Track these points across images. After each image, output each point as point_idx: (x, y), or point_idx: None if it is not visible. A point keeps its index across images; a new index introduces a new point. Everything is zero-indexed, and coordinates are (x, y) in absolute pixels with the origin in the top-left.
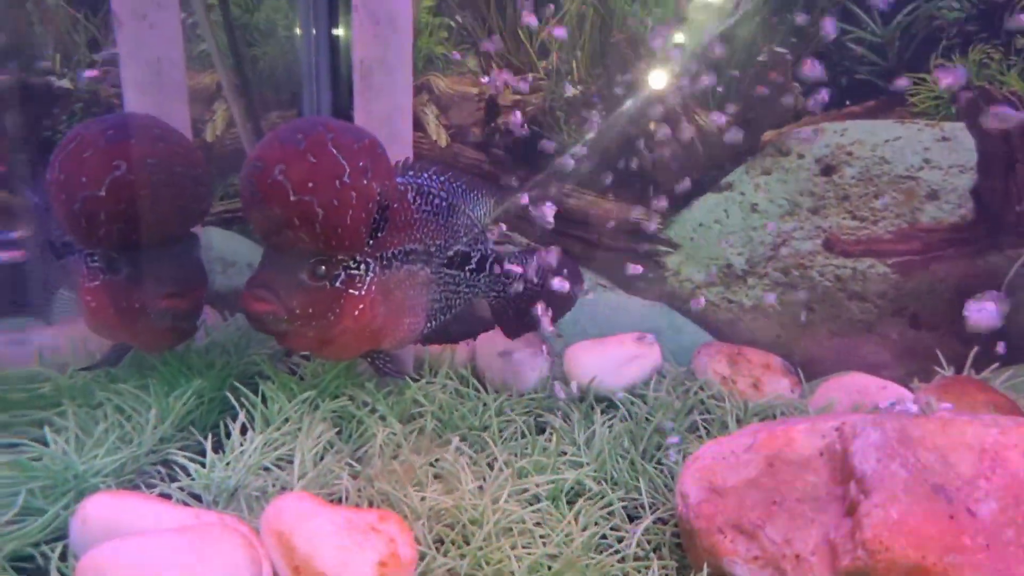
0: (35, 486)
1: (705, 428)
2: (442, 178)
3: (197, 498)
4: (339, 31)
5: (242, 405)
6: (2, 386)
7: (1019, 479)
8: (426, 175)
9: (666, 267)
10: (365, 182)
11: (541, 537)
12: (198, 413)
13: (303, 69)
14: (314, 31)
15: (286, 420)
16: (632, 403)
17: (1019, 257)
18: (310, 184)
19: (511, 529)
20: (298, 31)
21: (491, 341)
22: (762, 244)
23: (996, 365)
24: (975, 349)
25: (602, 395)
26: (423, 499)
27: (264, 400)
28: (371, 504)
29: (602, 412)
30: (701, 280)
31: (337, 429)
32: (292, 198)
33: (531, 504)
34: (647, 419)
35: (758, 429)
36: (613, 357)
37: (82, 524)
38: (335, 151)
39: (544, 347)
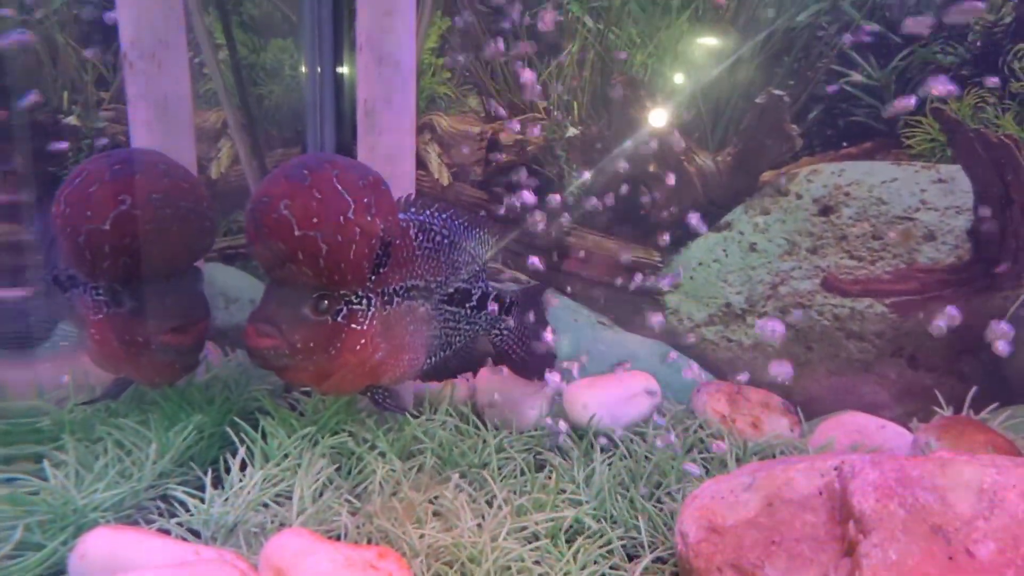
0: (33, 520)
1: (704, 467)
2: (444, 215)
3: (196, 534)
4: (343, 70)
5: (242, 441)
6: (2, 420)
7: (1018, 520)
8: (428, 212)
9: (666, 306)
10: (369, 218)
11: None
12: (198, 448)
13: (308, 107)
14: (319, 70)
15: (285, 456)
16: (632, 441)
17: (1017, 297)
18: (314, 219)
19: (510, 567)
20: (303, 70)
21: (491, 379)
22: (761, 283)
23: (995, 405)
24: (973, 389)
25: (601, 433)
26: (422, 536)
27: (264, 436)
28: (370, 541)
29: (602, 450)
30: (700, 319)
31: (336, 465)
32: (297, 233)
33: (530, 542)
34: (646, 457)
35: (757, 468)
36: (612, 395)
37: (81, 560)
38: (340, 187)
39: (549, 384)
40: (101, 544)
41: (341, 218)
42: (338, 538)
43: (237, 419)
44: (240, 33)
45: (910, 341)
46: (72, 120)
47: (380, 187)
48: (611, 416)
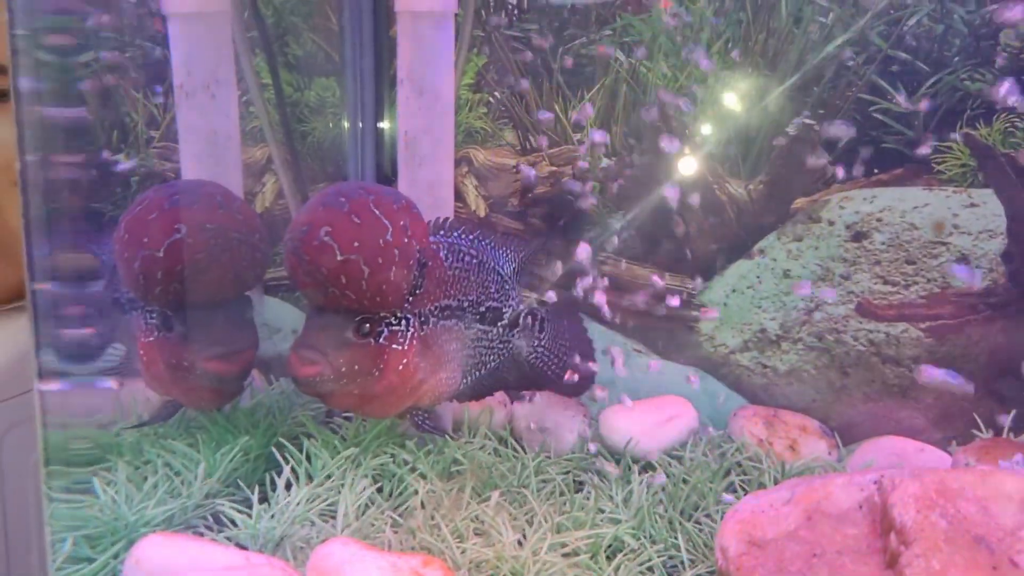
0: (83, 535)
1: (743, 489)
2: (471, 236)
3: (243, 548)
4: (384, 104)
5: (287, 461)
6: (60, 443)
7: None
8: (456, 233)
9: (700, 332)
10: (406, 240)
11: None
12: (244, 470)
13: (349, 141)
14: (360, 104)
15: (328, 476)
16: (669, 464)
17: None
18: (356, 243)
19: None
20: (346, 105)
21: (531, 406)
22: (795, 309)
23: None
24: (1013, 412)
25: (638, 457)
26: (463, 552)
27: (308, 458)
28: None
29: (639, 473)
30: (735, 345)
31: (378, 486)
32: (339, 258)
33: (570, 558)
34: (684, 480)
35: (796, 483)
36: (649, 419)
37: (136, 564)
38: (376, 211)
39: (583, 410)
40: (155, 550)
41: (381, 241)
42: None
43: (283, 440)
44: (285, 73)
45: (947, 365)
46: (122, 158)
47: (412, 210)
48: (647, 440)
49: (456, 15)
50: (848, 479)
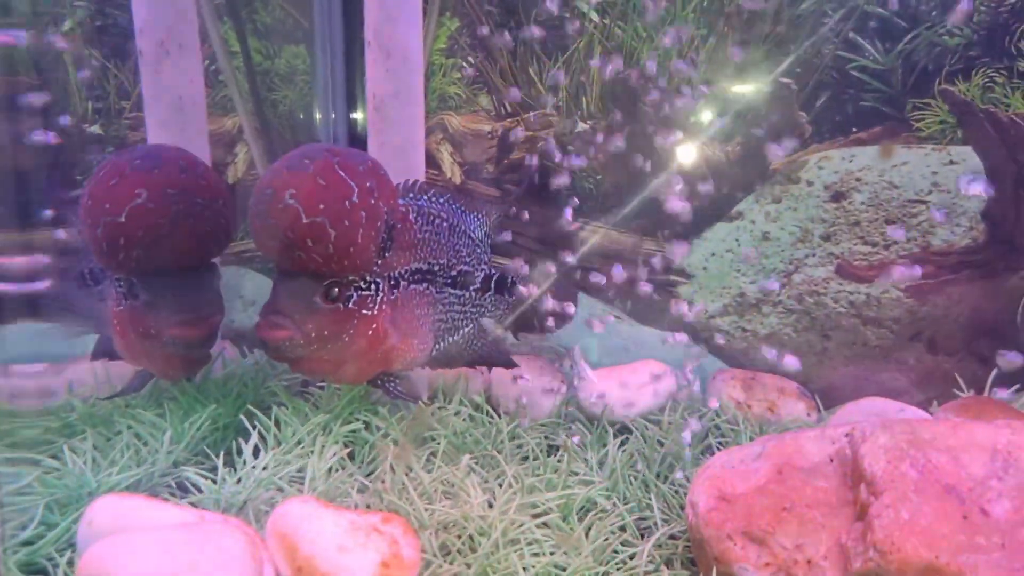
0: (52, 500)
1: (721, 450)
2: (441, 199)
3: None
4: (353, 69)
5: (255, 428)
6: (40, 418)
7: None
8: (426, 197)
9: (680, 297)
10: (372, 201)
11: (550, 549)
12: (213, 438)
13: (320, 107)
14: (331, 70)
15: (299, 442)
16: (647, 427)
17: None
18: (321, 206)
19: (518, 540)
20: (316, 71)
21: (507, 372)
22: (774, 271)
23: (1017, 387)
24: (994, 372)
25: (616, 421)
26: (430, 512)
27: (278, 425)
28: None
29: (615, 436)
30: (715, 309)
31: (349, 450)
32: (304, 220)
33: (540, 517)
34: (660, 443)
35: (768, 439)
36: (627, 384)
37: (88, 526)
38: (342, 173)
39: (561, 376)
40: (107, 510)
41: (346, 203)
42: None
43: (253, 409)
44: (254, 40)
45: (928, 325)
46: (96, 129)
47: (379, 172)
48: (624, 404)
49: None
50: (820, 433)
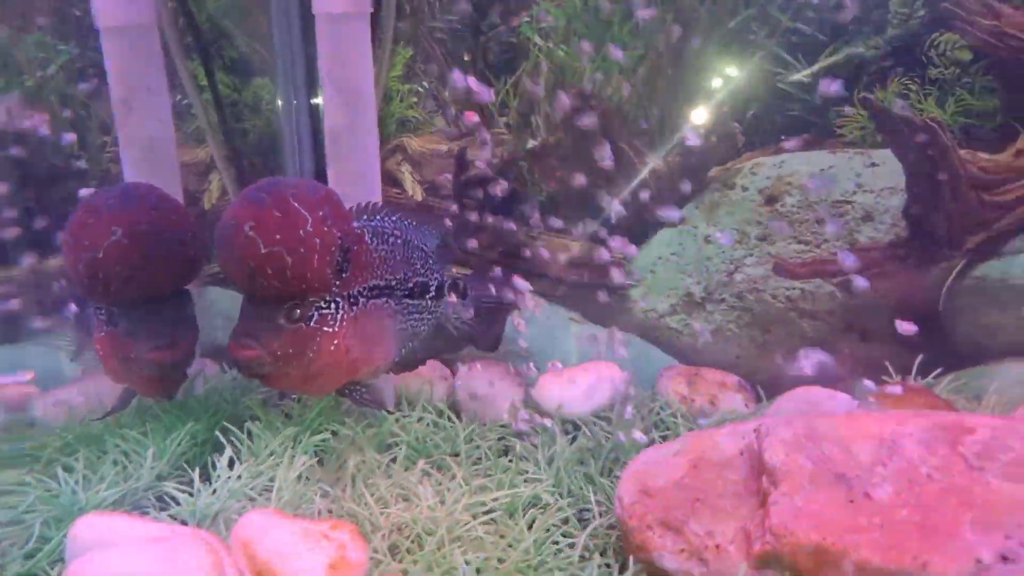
0: (53, 516)
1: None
2: (393, 218)
3: (184, 523)
4: (318, 101)
5: (231, 443)
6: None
7: (913, 463)
8: (379, 217)
9: (631, 299)
10: (326, 229)
11: (492, 544)
12: (193, 452)
13: (285, 138)
14: (294, 103)
15: (271, 454)
16: (595, 424)
17: (953, 269)
18: (278, 236)
19: (460, 537)
20: (280, 104)
21: (469, 377)
22: (717, 272)
23: (939, 371)
24: (919, 357)
25: (569, 419)
26: (385, 515)
27: (251, 437)
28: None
29: (567, 434)
30: (664, 309)
31: (319, 459)
32: (263, 250)
33: (487, 515)
34: (607, 438)
35: (688, 436)
36: (580, 384)
37: (73, 541)
38: (296, 204)
39: (518, 379)
40: (89, 527)
41: (301, 232)
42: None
43: (228, 425)
44: (222, 75)
45: (859, 316)
46: (83, 164)
47: (333, 200)
48: (577, 403)
49: (379, 13)
50: (732, 429)
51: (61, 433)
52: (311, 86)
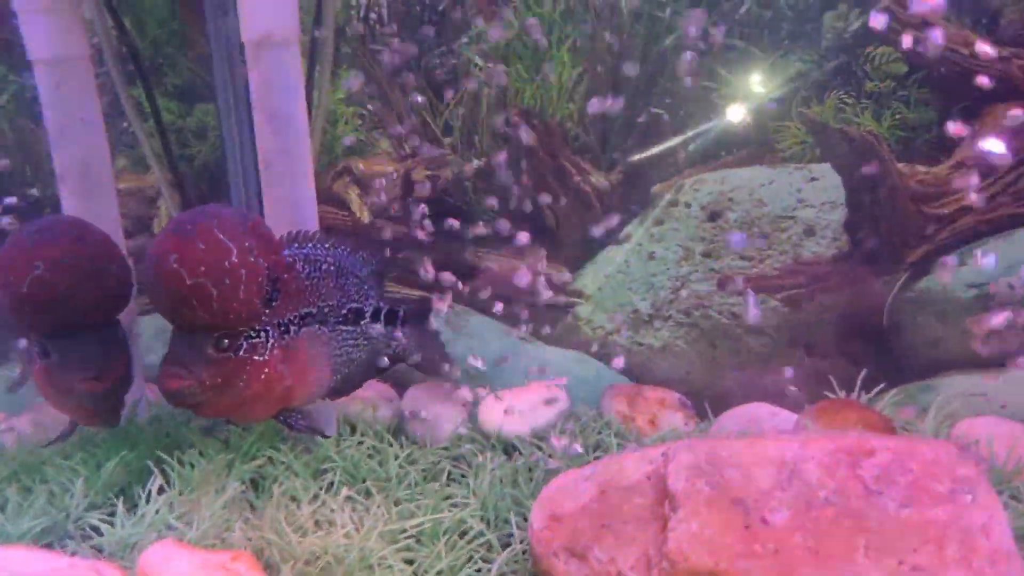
0: None
1: None
2: (326, 245)
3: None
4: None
5: (163, 472)
6: None
7: (811, 487)
8: (311, 245)
9: (579, 317)
10: (252, 259)
11: (401, 572)
12: (128, 480)
13: (231, 164)
14: (235, 129)
15: (203, 482)
16: (535, 445)
17: (895, 282)
18: (202, 268)
19: (371, 565)
20: (223, 130)
21: (415, 400)
22: (663, 289)
23: (882, 385)
24: (863, 372)
25: (510, 441)
26: (301, 543)
27: (182, 464)
28: (258, 549)
29: (508, 456)
30: (611, 327)
31: (248, 487)
32: (188, 282)
33: (408, 542)
34: (544, 460)
35: (599, 461)
36: (521, 405)
37: None
38: (221, 236)
39: (462, 401)
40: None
41: (226, 263)
42: (229, 548)
43: (161, 453)
44: (165, 101)
45: (804, 331)
46: (35, 192)
47: (260, 230)
48: (520, 424)
49: (317, 37)
50: (641, 454)
51: (7, 461)
52: (251, 113)
